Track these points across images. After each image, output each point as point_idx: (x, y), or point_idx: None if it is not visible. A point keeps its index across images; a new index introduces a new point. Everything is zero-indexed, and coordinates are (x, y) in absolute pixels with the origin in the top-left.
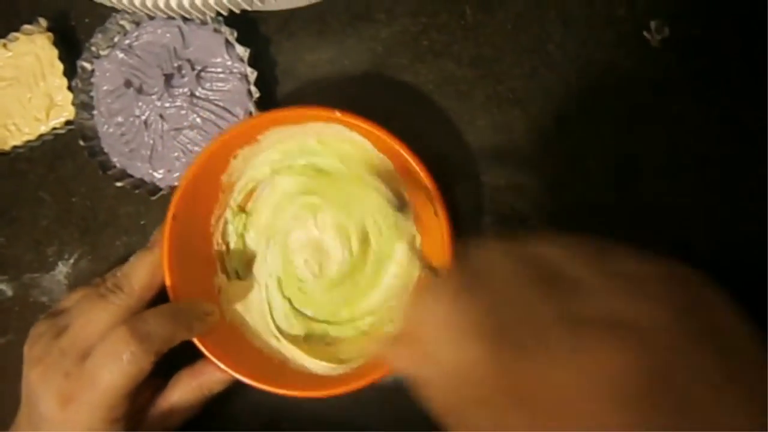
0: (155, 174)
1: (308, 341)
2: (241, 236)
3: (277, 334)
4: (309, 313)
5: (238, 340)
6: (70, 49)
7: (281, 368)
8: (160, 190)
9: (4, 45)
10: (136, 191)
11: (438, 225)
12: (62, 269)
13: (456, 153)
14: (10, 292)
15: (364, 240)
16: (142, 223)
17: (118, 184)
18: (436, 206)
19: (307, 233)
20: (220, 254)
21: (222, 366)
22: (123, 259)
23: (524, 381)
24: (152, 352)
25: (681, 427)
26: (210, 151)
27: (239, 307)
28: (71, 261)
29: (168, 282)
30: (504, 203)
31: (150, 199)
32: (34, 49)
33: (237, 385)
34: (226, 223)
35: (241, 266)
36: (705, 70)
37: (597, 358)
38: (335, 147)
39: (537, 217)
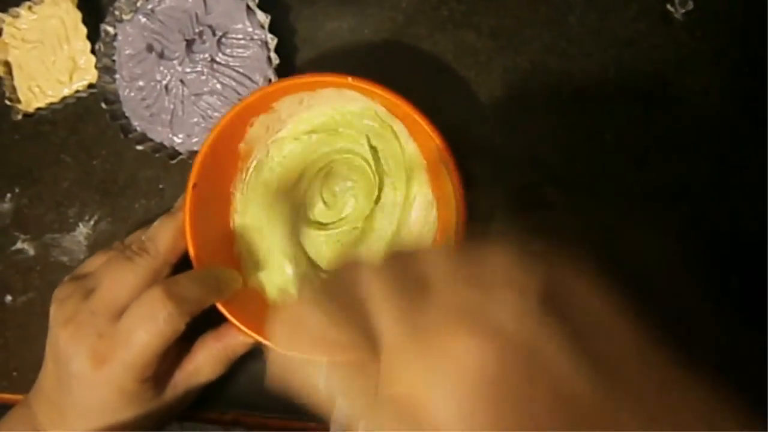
0: (175, 138)
1: None
2: (256, 204)
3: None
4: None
5: (258, 304)
6: (94, 12)
7: None
8: (180, 154)
9: (30, 8)
10: (156, 155)
11: (452, 191)
12: (82, 230)
13: (473, 124)
14: (31, 252)
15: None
16: (160, 186)
17: (139, 147)
18: (449, 171)
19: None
20: (239, 225)
21: (244, 329)
22: (142, 222)
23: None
24: (186, 313)
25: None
26: (226, 120)
27: (259, 272)
28: (91, 222)
29: (191, 249)
30: (521, 174)
31: (169, 164)
32: (59, 12)
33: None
34: (243, 190)
35: (259, 238)
36: (729, 45)
37: (445, 349)
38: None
39: (553, 188)
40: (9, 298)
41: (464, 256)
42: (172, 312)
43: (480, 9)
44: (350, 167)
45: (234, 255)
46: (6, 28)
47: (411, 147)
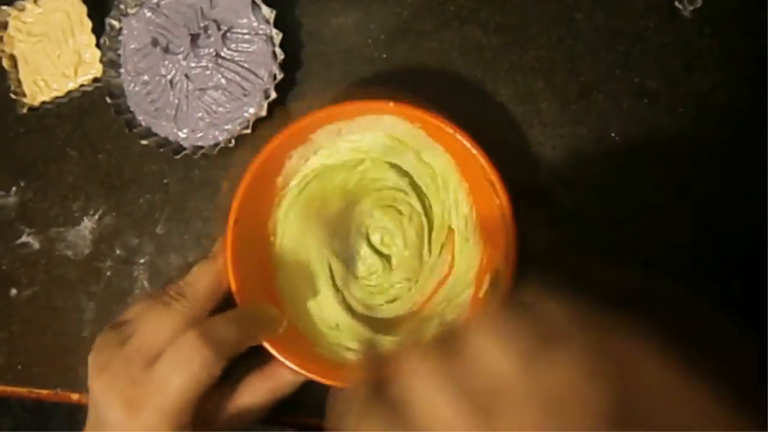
0: (179, 133)
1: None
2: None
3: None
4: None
5: (304, 340)
6: (99, 6)
7: (346, 366)
8: (184, 149)
9: (35, 1)
10: (161, 150)
11: (498, 208)
12: (87, 224)
13: (478, 121)
14: (36, 245)
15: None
16: (165, 181)
17: (143, 142)
18: (499, 194)
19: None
20: (279, 257)
21: (292, 366)
22: (145, 217)
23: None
24: (223, 357)
25: None
26: (265, 154)
27: (303, 305)
28: (96, 216)
29: (234, 286)
30: (525, 173)
31: (174, 158)
32: (64, 5)
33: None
34: (280, 224)
35: (301, 269)
36: (737, 43)
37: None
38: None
39: (558, 188)
40: (14, 291)
41: (527, 351)
42: (208, 356)
43: (486, 5)
44: (396, 212)
45: (276, 291)
46: (11, 22)
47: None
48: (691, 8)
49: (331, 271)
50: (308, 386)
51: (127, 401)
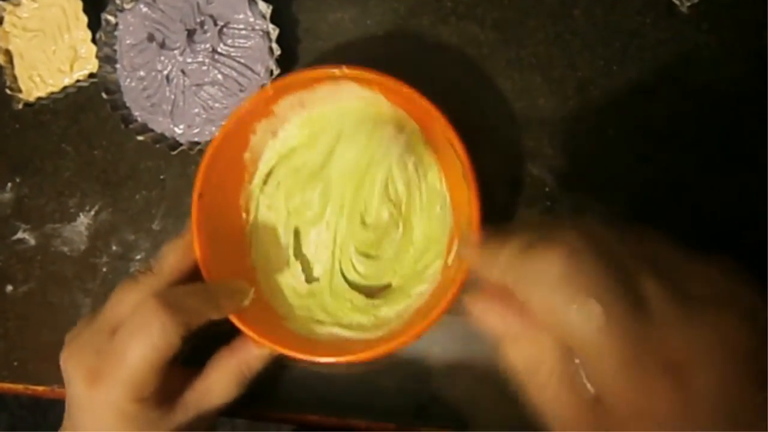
0: (176, 129)
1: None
2: (270, 211)
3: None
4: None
5: (274, 316)
6: (95, 1)
7: (313, 339)
8: (181, 145)
9: None
10: (157, 146)
11: (465, 186)
12: (83, 220)
13: (476, 117)
14: (32, 242)
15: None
16: (161, 177)
17: (139, 138)
18: (462, 161)
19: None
20: (251, 231)
21: (259, 339)
22: (141, 213)
23: (653, 346)
24: (182, 323)
25: None
26: (226, 129)
27: (272, 281)
28: (92, 213)
29: (199, 259)
30: (522, 169)
31: (170, 154)
32: (60, 0)
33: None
34: (253, 200)
35: (273, 242)
36: (734, 39)
37: (716, 330)
38: (351, 108)
39: (555, 183)
40: (10, 287)
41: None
42: (165, 322)
43: (483, 1)
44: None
45: (249, 266)
46: (7, 17)
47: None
48: (689, 4)
49: (299, 242)
50: (307, 384)
51: (89, 372)
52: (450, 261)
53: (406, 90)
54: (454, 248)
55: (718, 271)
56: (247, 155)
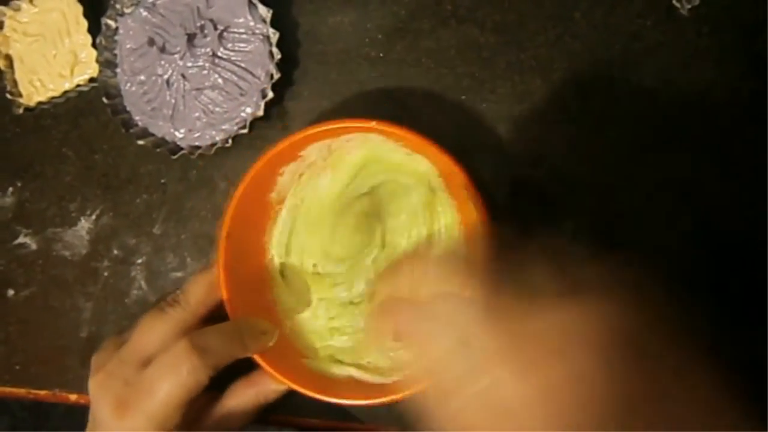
0: (176, 133)
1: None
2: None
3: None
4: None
5: (292, 352)
6: (95, 6)
7: (331, 379)
8: (181, 149)
9: (31, 1)
10: (157, 150)
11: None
12: (84, 224)
13: (476, 120)
14: (33, 246)
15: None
16: (162, 181)
17: (140, 142)
18: (478, 210)
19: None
20: (275, 271)
21: (277, 376)
22: (142, 217)
23: (524, 337)
24: (211, 366)
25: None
26: (255, 171)
27: (295, 320)
28: (93, 217)
29: (224, 296)
30: (523, 172)
31: (171, 158)
32: (60, 5)
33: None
34: (278, 238)
35: (296, 282)
36: (735, 42)
37: (579, 311)
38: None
39: (556, 186)
40: (11, 292)
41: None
42: (196, 364)
43: (484, 4)
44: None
45: (270, 303)
46: (7, 22)
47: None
48: (689, 6)
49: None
50: None
51: (117, 401)
52: None
53: (432, 148)
54: None
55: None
56: (273, 195)
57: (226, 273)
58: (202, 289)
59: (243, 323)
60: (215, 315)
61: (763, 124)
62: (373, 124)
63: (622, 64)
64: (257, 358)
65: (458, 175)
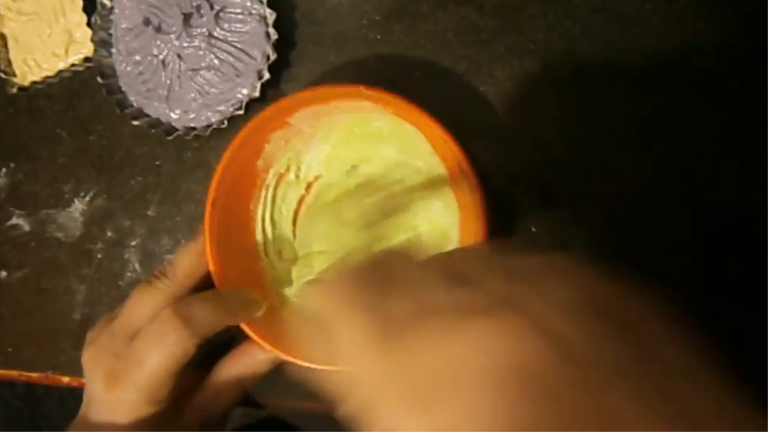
0: (171, 114)
1: None
2: (280, 220)
3: None
4: None
5: (281, 321)
6: None
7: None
8: (176, 130)
9: None
10: (152, 131)
11: (471, 198)
12: (78, 206)
13: (473, 104)
14: (27, 227)
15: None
16: (157, 163)
17: (135, 123)
18: (470, 182)
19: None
20: (262, 239)
21: (264, 344)
22: (137, 199)
23: (407, 370)
24: (196, 334)
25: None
26: (241, 137)
27: (285, 290)
28: (87, 198)
29: (211, 267)
30: (520, 157)
31: (166, 140)
32: None
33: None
34: (265, 207)
35: (284, 249)
36: (734, 26)
37: (479, 338)
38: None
39: (554, 171)
40: (4, 273)
41: (505, 255)
42: (182, 333)
43: None
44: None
45: (258, 272)
46: (1, 1)
47: (429, 156)
48: None
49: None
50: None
51: (108, 374)
52: None
53: (422, 116)
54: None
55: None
56: (260, 162)
57: (213, 243)
58: (189, 260)
59: (230, 292)
60: (205, 285)
61: (760, 110)
62: (360, 88)
63: (621, 48)
64: (246, 327)
65: (449, 144)
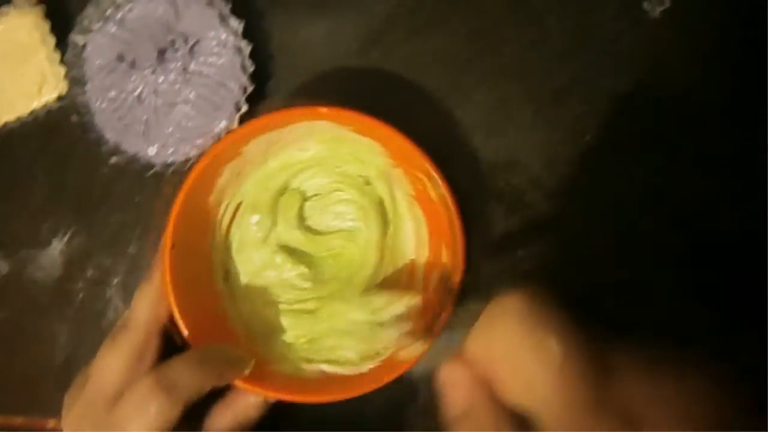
0: (149, 150)
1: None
2: (234, 254)
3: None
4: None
5: (261, 361)
6: (62, 23)
7: (305, 379)
8: (154, 166)
9: None
10: (131, 168)
11: (441, 209)
12: (57, 246)
13: (452, 128)
14: (5, 269)
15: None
16: (136, 200)
17: (112, 160)
18: (439, 190)
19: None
20: (223, 280)
21: (250, 388)
22: (117, 236)
23: (605, 405)
24: (180, 402)
25: None
26: (196, 173)
27: (258, 325)
28: (66, 238)
29: (176, 314)
30: (501, 179)
31: (144, 176)
32: (26, 22)
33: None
34: (219, 244)
35: (245, 284)
36: (708, 43)
37: (681, 394)
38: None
39: (534, 193)
40: None
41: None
42: (163, 402)
43: (457, 12)
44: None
45: (225, 313)
46: None
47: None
48: (660, 9)
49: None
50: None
51: None
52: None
53: (384, 129)
54: (435, 277)
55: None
56: (211, 198)
57: (174, 287)
58: (148, 304)
59: (214, 349)
60: (170, 327)
61: (738, 125)
62: (317, 108)
63: (597, 68)
64: None
65: (418, 158)
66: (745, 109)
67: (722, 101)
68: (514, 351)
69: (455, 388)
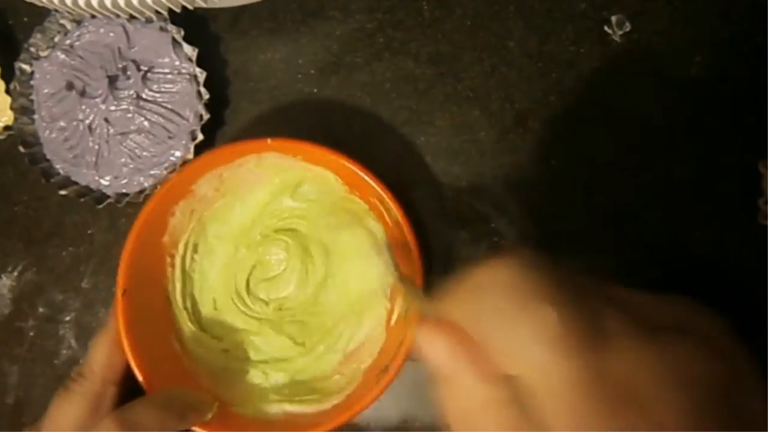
0: (102, 181)
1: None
2: (193, 296)
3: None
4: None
5: (222, 404)
6: (7, 50)
7: (267, 421)
8: (108, 197)
9: None
10: (82, 200)
11: (397, 234)
12: (6, 282)
13: (415, 153)
14: None
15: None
16: (89, 232)
17: (63, 192)
18: (393, 213)
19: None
20: (179, 317)
21: None
22: (69, 271)
23: (604, 378)
24: None
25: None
26: (145, 215)
27: (218, 369)
28: (15, 273)
29: (131, 361)
30: (465, 204)
31: (97, 208)
32: None
33: None
34: (176, 286)
35: (204, 326)
36: (669, 66)
37: (677, 359)
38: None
39: (499, 218)
40: None
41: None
42: None
43: (417, 36)
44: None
45: (185, 356)
46: None
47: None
48: (620, 32)
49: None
50: None
51: None
52: (393, 320)
53: (332, 156)
54: (397, 307)
55: (680, 307)
56: (165, 239)
57: (129, 334)
58: (104, 352)
59: (176, 393)
60: (127, 375)
61: (702, 146)
62: (266, 141)
63: (559, 92)
64: None
65: (368, 184)
66: (707, 132)
67: (685, 121)
68: (508, 321)
69: (437, 353)
